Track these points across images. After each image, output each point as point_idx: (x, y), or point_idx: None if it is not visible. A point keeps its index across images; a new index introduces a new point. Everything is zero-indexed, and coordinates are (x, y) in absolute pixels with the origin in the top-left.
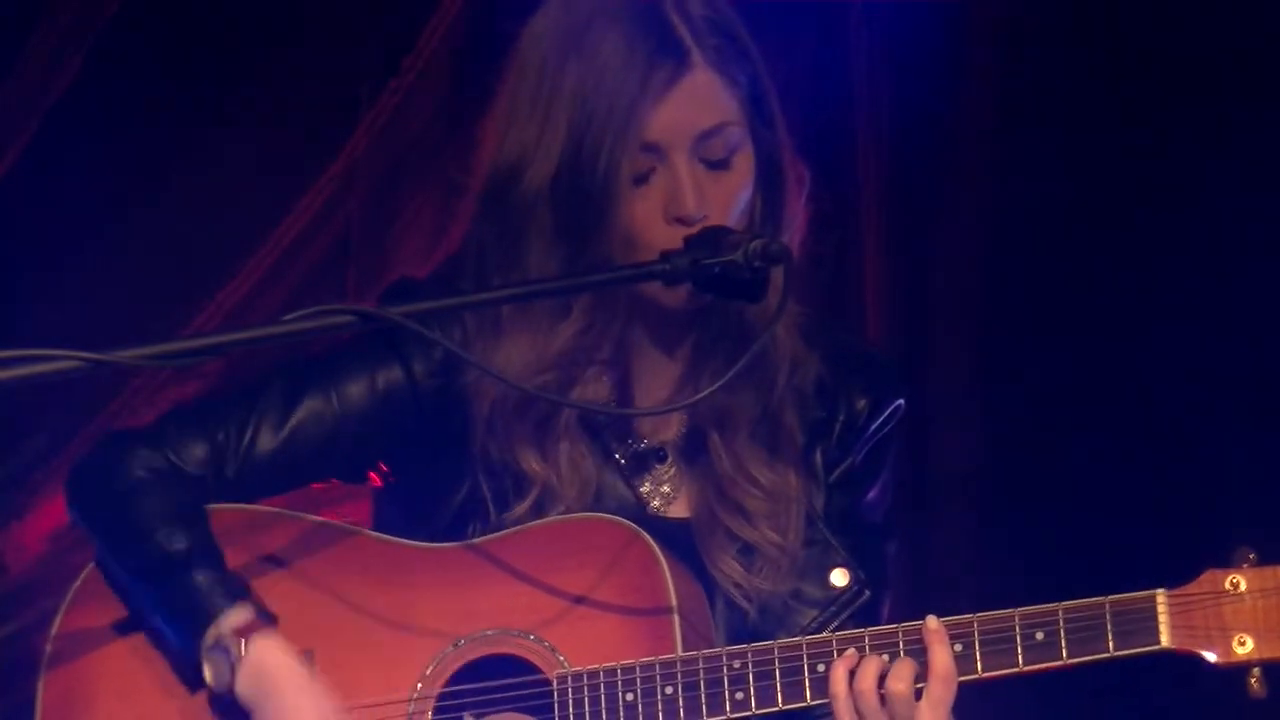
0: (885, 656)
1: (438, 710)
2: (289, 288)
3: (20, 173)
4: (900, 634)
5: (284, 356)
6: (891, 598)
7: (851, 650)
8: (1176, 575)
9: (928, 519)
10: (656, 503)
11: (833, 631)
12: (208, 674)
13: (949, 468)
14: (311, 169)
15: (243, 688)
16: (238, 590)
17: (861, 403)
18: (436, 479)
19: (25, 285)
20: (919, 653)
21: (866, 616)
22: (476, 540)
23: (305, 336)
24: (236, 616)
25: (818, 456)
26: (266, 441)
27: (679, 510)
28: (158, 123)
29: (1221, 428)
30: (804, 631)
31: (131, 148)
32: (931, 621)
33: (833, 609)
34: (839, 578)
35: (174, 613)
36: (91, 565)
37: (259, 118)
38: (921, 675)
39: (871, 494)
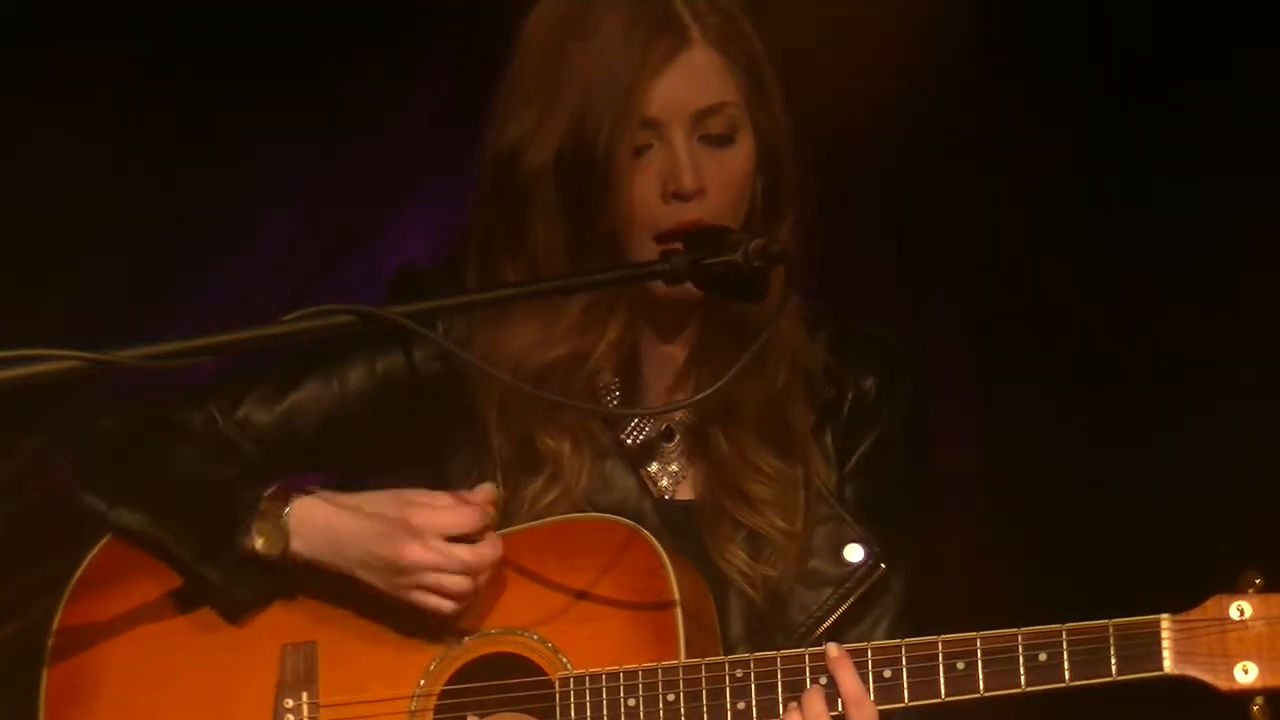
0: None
1: (439, 709)
2: (289, 287)
3: (20, 171)
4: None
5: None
6: (911, 574)
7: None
8: (1176, 583)
9: (927, 520)
10: (665, 483)
11: (849, 610)
12: (260, 544)
13: (947, 468)
14: (312, 168)
15: (299, 544)
16: (258, 472)
17: (869, 381)
18: (441, 465)
19: (25, 284)
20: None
21: (883, 593)
22: None
23: (305, 336)
24: (271, 488)
25: (828, 436)
26: (261, 416)
27: (687, 492)
28: (156, 122)
29: (1229, 443)
30: (821, 609)
31: (130, 147)
32: (832, 649)
33: (848, 585)
34: (853, 553)
35: (209, 516)
36: (89, 560)
37: (259, 117)
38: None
39: (885, 471)
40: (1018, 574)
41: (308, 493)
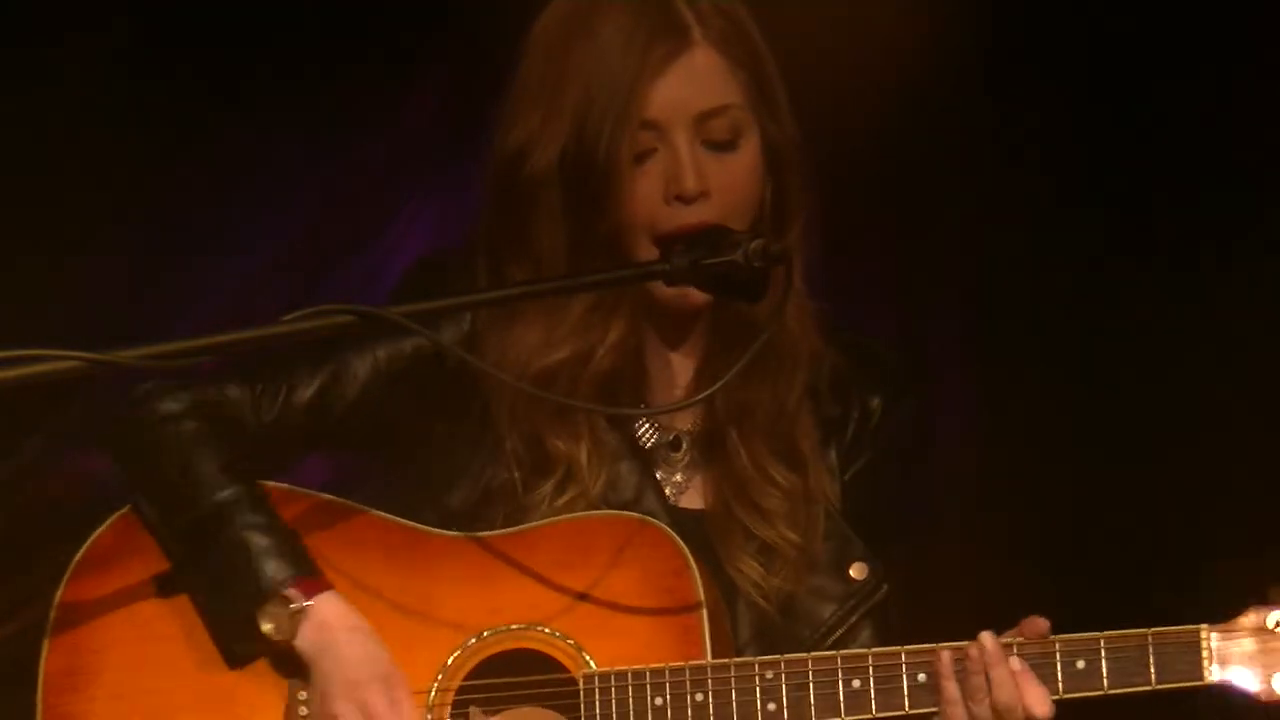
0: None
1: (458, 704)
2: (289, 287)
3: (20, 171)
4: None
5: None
6: (906, 594)
7: (945, 653)
8: (1175, 584)
9: (927, 528)
10: (668, 491)
11: (849, 627)
12: (267, 627)
13: (947, 468)
14: (311, 168)
15: (304, 640)
16: (295, 548)
17: (875, 401)
18: (455, 459)
19: (25, 284)
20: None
21: (884, 611)
22: (502, 532)
23: (305, 336)
24: (300, 573)
25: (832, 453)
26: (301, 393)
27: (690, 501)
28: (156, 123)
29: (1228, 444)
30: (824, 626)
31: (129, 148)
32: (1015, 662)
33: (851, 602)
34: (857, 571)
35: (224, 570)
36: (95, 537)
37: (259, 117)
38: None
39: (887, 490)
40: (1016, 577)
41: (335, 596)
